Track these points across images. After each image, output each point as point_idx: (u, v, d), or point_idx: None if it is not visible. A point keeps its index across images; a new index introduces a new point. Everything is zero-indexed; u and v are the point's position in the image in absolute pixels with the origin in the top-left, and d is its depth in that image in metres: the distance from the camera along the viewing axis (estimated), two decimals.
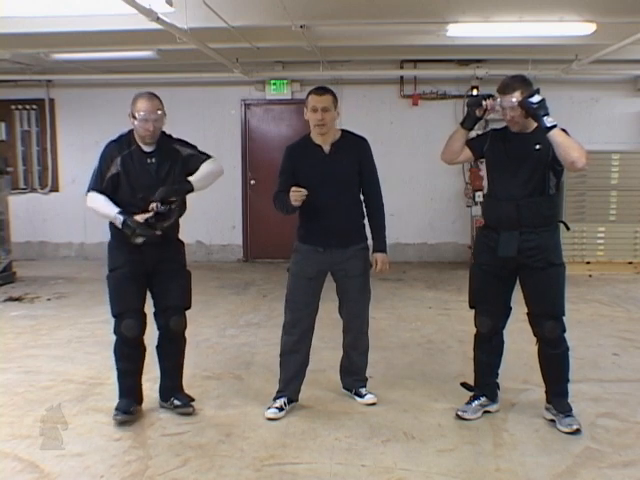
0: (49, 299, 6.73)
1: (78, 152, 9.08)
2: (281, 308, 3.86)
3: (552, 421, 3.43)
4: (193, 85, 8.73)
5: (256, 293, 7.02)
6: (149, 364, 3.75)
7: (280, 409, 3.61)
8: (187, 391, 3.72)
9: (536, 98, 3.13)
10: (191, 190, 3.42)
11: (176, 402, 3.64)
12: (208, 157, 3.55)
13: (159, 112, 3.38)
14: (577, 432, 3.31)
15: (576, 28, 5.79)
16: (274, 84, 8.73)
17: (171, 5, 4.94)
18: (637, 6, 5.17)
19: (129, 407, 3.53)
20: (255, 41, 6.44)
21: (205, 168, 3.50)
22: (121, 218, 3.30)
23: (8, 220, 7.85)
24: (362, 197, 3.75)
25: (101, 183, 3.41)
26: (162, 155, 3.47)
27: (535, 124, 3.31)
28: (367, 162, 3.68)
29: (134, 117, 3.38)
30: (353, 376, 3.88)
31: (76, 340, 5.16)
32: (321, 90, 3.57)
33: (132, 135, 3.47)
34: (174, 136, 3.59)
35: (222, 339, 5.21)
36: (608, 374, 4.29)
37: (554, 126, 3.11)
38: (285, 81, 8.70)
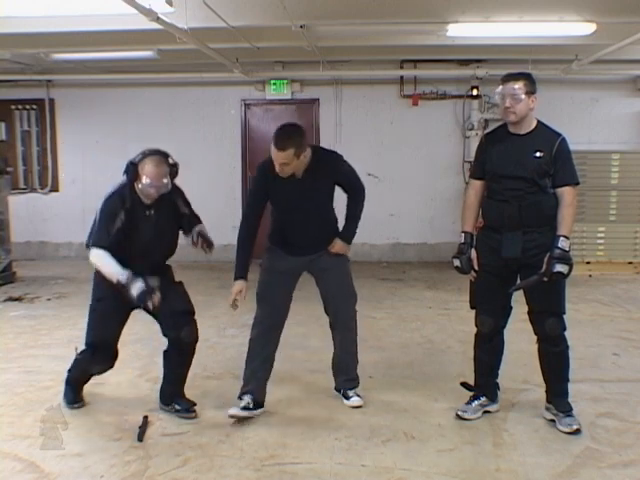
0: (49, 299, 6.73)
1: (78, 152, 9.10)
2: None
3: (552, 421, 3.44)
4: (193, 85, 8.71)
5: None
6: (150, 364, 3.75)
7: (245, 408, 3.51)
8: (187, 391, 3.71)
9: (563, 244, 3.19)
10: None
11: (177, 407, 3.63)
12: (199, 221, 3.61)
13: (165, 181, 3.32)
14: (577, 432, 3.32)
15: (576, 28, 5.78)
16: (274, 84, 8.73)
17: (171, 5, 4.94)
18: (637, 6, 5.16)
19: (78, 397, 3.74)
20: (255, 41, 6.44)
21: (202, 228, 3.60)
22: (140, 287, 3.23)
23: (8, 220, 7.84)
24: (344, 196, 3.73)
25: (107, 239, 3.28)
26: (161, 209, 3.44)
27: (532, 126, 3.32)
28: (343, 176, 3.62)
29: (139, 178, 3.31)
30: (342, 376, 3.82)
31: (76, 340, 5.10)
32: (281, 144, 3.27)
33: (133, 187, 3.37)
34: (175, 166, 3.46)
35: (222, 339, 5.21)
36: (608, 374, 4.29)
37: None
38: (285, 81, 8.70)
